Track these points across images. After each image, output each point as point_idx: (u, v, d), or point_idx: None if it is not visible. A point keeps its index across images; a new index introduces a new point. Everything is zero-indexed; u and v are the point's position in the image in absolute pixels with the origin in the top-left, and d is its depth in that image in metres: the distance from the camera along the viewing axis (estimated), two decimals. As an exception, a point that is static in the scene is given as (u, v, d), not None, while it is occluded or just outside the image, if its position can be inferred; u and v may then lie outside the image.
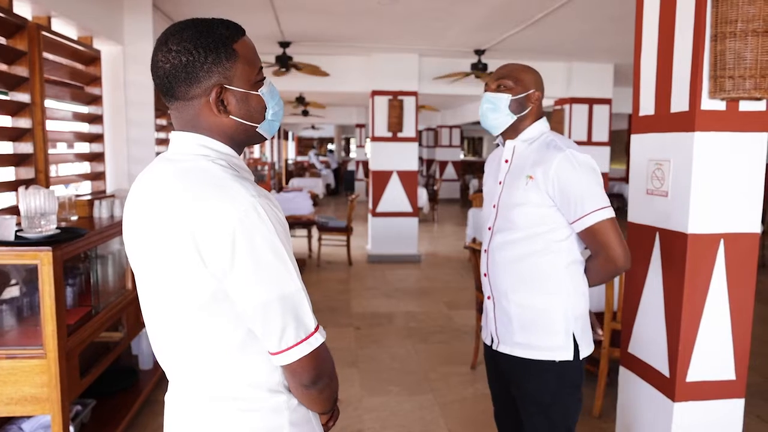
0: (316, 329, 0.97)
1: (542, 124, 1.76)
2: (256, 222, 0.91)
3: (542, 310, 1.71)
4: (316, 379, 0.99)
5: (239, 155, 1.06)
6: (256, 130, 1.05)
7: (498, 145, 1.86)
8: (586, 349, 1.75)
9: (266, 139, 1.09)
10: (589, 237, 1.65)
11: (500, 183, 1.78)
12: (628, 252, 1.65)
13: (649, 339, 2.27)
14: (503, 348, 1.79)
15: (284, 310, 0.93)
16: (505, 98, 1.72)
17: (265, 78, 1.05)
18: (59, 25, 3.16)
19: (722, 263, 2.07)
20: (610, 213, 1.63)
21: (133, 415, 2.88)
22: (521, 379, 1.78)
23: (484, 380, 3.54)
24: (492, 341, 1.83)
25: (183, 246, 0.93)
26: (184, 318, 0.98)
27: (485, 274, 1.83)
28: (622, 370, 2.47)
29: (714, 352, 2.12)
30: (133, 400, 2.94)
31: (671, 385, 2.13)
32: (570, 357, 1.70)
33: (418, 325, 4.66)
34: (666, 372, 2.16)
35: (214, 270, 0.92)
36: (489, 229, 1.81)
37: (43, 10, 2.89)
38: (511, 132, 1.77)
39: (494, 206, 1.79)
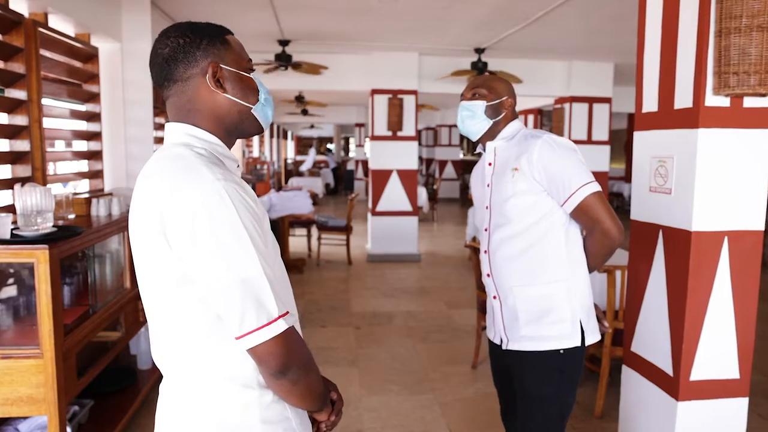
0: (281, 316, 0.96)
1: (517, 122, 1.85)
2: (218, 205, 0.93)
3: (548, 300, 1.74)
4: (284, 369, 0.97)
5: (230, 146, 1.10)
6: (251, 111, 1.10)
7: (480, 154, 1.91)
8: (592, 336, 1.78)
9: (262, 128, 1.13)
10: (580, 214, 1.69)
11: (488, 185, 1.84)
12: (619, 223, 1.70)
13: (652, 337, 2.25)
14: (512, 345, 1.81)
15: (244, 294, 0.93)
16: (481, 105, 1.80)
17: (254, 70, 1.13)
18: (56, 22, 3.13)
19: (726, 261, 2.06)
20: (596, 187, 1.67)
21: (132, 416, 2.86)
22: (524, 372, 1.80)
23: (485, 379, 3.54)
24: (501, 341, 1.85)
25: (153, 229, 0.97)
26: (161, 302, 1.02)
27: (488, 275, 1.85)
28: (625, 369, 2.45)
29: (718, 351, 2.10)
30: (132, 401, 2.92)
31: (675, 383, 2.11)
32: (578, 343, 1.74)
33: (418, 324, 4.64)
34: (669, 371, 2.14)
35: (178, 253, 0.95)
36: (486, 230, 1.85)
37: (40, 6, 2.86)
38: (488, 137, 1.85)
39: (487, 207, 1.84)
